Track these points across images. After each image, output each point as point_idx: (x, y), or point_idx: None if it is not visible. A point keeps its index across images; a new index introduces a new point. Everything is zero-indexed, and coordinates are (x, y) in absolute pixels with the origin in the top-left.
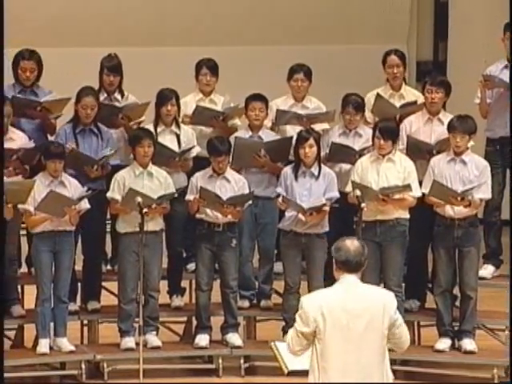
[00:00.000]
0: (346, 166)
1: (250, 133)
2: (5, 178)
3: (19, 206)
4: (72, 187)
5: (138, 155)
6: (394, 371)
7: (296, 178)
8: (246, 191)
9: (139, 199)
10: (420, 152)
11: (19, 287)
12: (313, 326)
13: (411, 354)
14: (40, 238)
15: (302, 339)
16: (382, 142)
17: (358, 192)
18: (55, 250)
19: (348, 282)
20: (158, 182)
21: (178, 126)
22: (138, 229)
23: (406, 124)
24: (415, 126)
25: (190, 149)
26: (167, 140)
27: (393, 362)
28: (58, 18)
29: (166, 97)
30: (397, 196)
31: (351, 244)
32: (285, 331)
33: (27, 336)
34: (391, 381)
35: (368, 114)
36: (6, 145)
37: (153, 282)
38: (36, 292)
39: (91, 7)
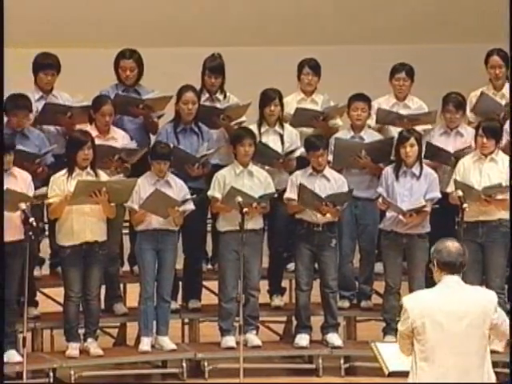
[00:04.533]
0: (446, 166)
1: (352, 133)
2: (107, 177)
3: (125, 204)
4: (177, 187)
5: (239, 154)
6: (496, 373)
7: (397, 177)
8: (346, 190)
9: (239, 199)
10: None
11: (122, 285)
12: (409, 326)
13: None
14: (143, 236)
15: (405, 340)
16: (484, 140)
17: (459, 192)
18: (158, 249)
19: (450, 284)
20: (257, 181)
21: (282, 126)
22: (238, 227)
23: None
24: None
25: (293, 150)
26: (270, 140)
27: (495, 364)
28: (160, 18)
29: (270, 97)
30: (500, 196)
31: (452, 245)
32: (385, 332)
33: (129, 334)
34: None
35: (470, 114)
36: (108, 144)
37: (253, 280)
38: (139, 290)
39: (193, 8)
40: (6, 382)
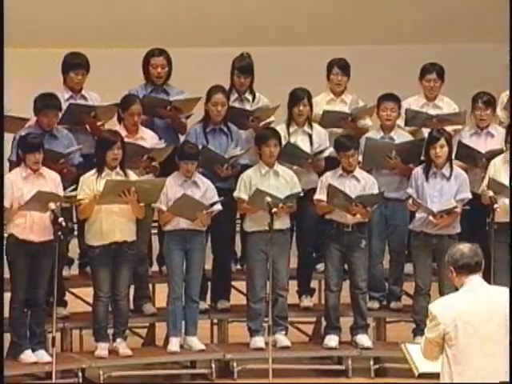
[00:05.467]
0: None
1: (382, 133)
2: (136, 177)
3: (153, 204)
4: (204, 187)
5: (264, 155)
6: None
7: (427, 178)
8: (376, 191)
9: (268, 199)
10: None
11: (151, 286)
12: (441, 333)
13: None
14: (171, 237)
15: (434, 347)
16: None
17: (490, 192)
18: (186, 249)
19: (474, 285)
20: (284, 181)
21: (311, 126)
22: (265, 228)
23: None
24: None
25: (322, 151)
26: (299, 140)
27: None
28: (188, 18)
29: (298, 97)
30: None
31: (464, 247)
32: (415, 333)
33: (158, 334)
34: None
35: (501, 114)
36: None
37: (281, 280)
38: (167, 290)
39: (221, 8)
40: (35, 382)
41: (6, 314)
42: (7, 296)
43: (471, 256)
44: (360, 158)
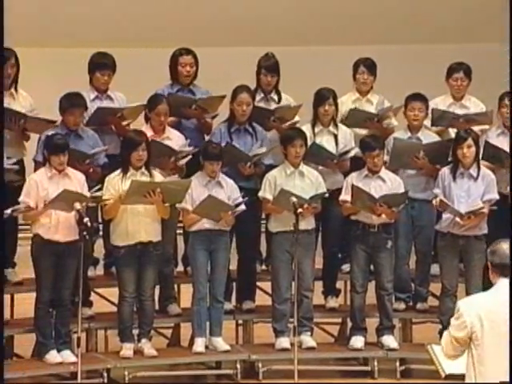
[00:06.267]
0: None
1: (409, 133)
2: (162, 177)
3: (177, 204)
4: (228, 187)
5: (290, 155)
6: None
7: (454, 178)
8: (402, 191)
9: (294, 199)
10: None
11: (176, 286)
12: (469, 331)
13: None
14: (196, 237)
15: (457, 345)
16: None
17: None
18: (211, 249)
19: (499, 286)
20: (309, 182)
21: (336, 126)
22: (290, 228)
23: None
24: None
25: (348, 151)
26: (324, 140)
27: None
28: (213, 18)
29: (324, 96)
30: None
31: (507, 247)
32: (441, 334)
33: (183, 335)
34: None
35: None
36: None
37: (306, 281)
38: (192, 291)
39: (246, 8)
40: (60, 382)
41: (32, 314)
42: (32, 296)
43: (509, 259)
44: (386, 158)
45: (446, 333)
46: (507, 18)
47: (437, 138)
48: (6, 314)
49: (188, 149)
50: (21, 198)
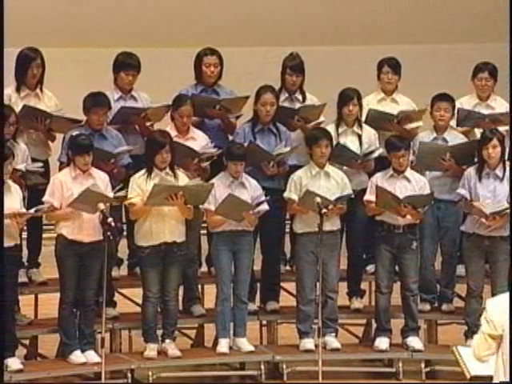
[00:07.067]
0: None
1: (435, 134)
2: (186, 178)
3: (201, 205)
4: (251, 188)
5: (315, 155)
6: None
7: (480, 179)
8: (427, 192)
9: (318, 200)
10: None
11: (200, 286)
12: (500, 329)
13: None
14: (219, 238)
15: (490, 342)
16: None
17: None
18: (234, 250)
19: None
20: (334, 182)
21: (360, 127)
22: (314, 229)
23: None
24: None
25: (372, 151)
26: (349, 141)
27: None
28: (240, 18)
29: (348, 96)
30: None
31: None
32: (467, 336)
33: (207, 335)
34: None
35: None
36: (188, 144)
37: (331, 282)
38: (216, 291)
39: (272, 8)
40: (84, 382)
41: (56, 314)
42: (56, 296)
43: None
44: (411, 158)
45: (476, 336)
46: None
47: (463, 139)
48: (30, 314)
49: (211, 150)
50: (45, 198)
